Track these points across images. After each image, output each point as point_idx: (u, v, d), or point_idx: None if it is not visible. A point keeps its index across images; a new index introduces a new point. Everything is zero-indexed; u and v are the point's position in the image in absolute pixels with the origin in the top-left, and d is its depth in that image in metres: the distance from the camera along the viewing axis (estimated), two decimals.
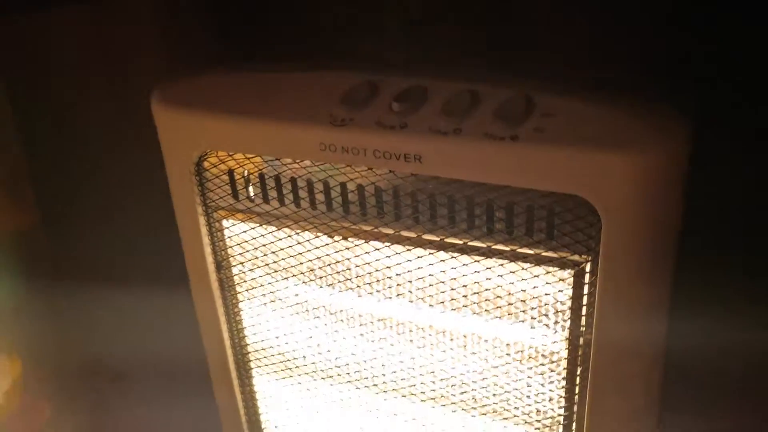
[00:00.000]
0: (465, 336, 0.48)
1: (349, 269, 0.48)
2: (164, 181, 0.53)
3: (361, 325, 0.51)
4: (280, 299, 0.53)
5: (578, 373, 0.45)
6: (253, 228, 0.49)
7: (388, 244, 0.45)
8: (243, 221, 0.49)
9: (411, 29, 0.47)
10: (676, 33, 0.41)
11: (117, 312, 0.65)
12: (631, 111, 0.38)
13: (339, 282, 0.49)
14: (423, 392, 0.52)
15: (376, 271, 0.46)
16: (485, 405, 0.50)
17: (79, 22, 0.58)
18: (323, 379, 0.55)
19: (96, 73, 0.60)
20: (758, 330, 0.43)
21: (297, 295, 0.52)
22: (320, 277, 0.50)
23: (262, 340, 0.54)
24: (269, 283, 0.52)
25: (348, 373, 0.54)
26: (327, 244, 0.47)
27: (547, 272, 0.41)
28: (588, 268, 0.40)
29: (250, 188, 0.47)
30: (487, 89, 0.39)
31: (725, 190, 0.42)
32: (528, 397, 0.48)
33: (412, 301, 0.48)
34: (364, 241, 0.45)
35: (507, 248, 0.41)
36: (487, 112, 0.38)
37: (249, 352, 0.55)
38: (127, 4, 0.57)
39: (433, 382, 0.51)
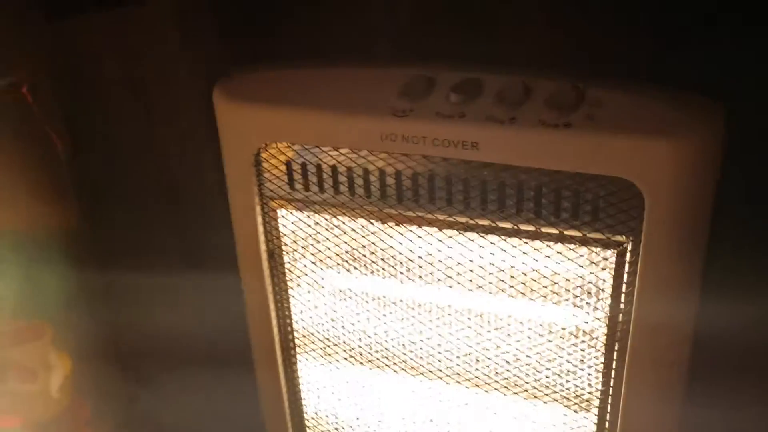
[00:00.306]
0: (506, 318, 0.51)
1: (400, 254, 0.51)
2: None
3: (407, 309, 0.54)
4: (328, 286, 0.56)
5: (615, 350, 0.48)
6: (308, 216, 0.52)
7: (438, 229, 0.48)
8: (298, 210, 0.52)
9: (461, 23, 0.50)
10: (703, 30, 0.45)
11: (159, 303, 0.67)
12: (670, 101, 0.41)
13: (387, 268, 0.52)
14: (465, 377, 0.55)
15: (428, 255, 0.49)
16: (523, 386, 0.53)
17: (124, 23, 0.61)
18: (366, 363, 0.57)
19: (143, 72, 0.63)
20: None
21: (345, 282, 0.55)
22: (370, 264, 0.53)
23: (307, 326, 0.57)
24: (316, 271, 0.55)
25: (389, 357, 0.57)
26: (379, 231, 0.50)
27: (591, 252, 0.45)
28: (630, 248, 0.43)
29: (309, 178, 0.50)
30: (537, 81, 0.43)
31: (756, 175, 0.45)
32: (567, 373, 0.51)
33: (452, 287, 0.51)
34: (416, 226, 0.48)
35: (554, 231, 0.45)
36: (539, 102, 0.42)
37: (294, 337, 0.58)
38: (168, 7, 0.60)
39: (475, 366, 0.54)
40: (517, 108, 0.42)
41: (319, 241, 0.53)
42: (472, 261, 0.48)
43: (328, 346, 0.58)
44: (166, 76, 0.62)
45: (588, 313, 0.48)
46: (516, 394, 0.54)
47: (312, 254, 0.55)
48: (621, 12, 0.47)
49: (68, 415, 0.65)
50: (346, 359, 0.58)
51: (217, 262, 0.63)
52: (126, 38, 0.60)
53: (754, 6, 0.42)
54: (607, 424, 0.51)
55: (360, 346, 0.57)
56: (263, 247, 0.54)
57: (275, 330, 0.58)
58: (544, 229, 0.45)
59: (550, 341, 0.51)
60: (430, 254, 0.50)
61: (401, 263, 0.52)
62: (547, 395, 0.53)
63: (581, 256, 0.45)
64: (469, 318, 0.53)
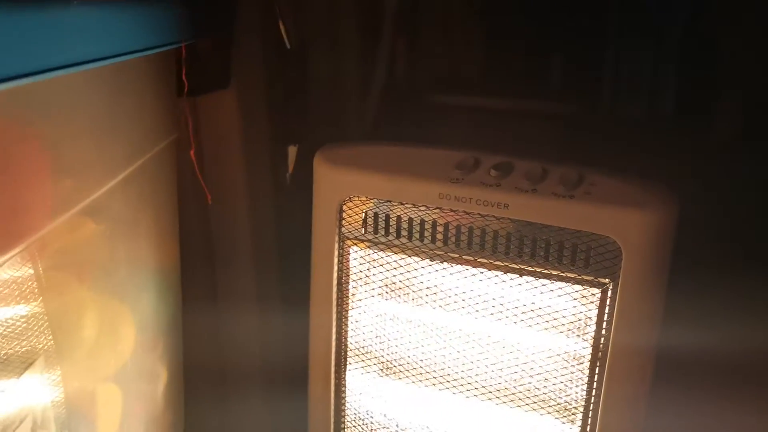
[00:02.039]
0: (516, 344, 0.68)
1: (439, 288, 0.68)
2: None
3: (440, 334, 0.71)
4: (378, 312, 0.73)
5: (597, 371, 0.65)
6: (373, 253, 0.70)
7: (472, 267, 0.66)
8: (367, 248, 0.70)
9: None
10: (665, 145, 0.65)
11: (236, 326, 0.83)
12: (641, 186, 0.61)
13: (427, 299, 0.70)
14: (481, 391, 0.71)
15: (459, 289, 0.67)
16: (525, 400, 0.70)
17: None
18: (403, 377, 0.74)
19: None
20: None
21: (393, 308, 0.72)
22: (415, 295, 0.70)
23: (358, 344, 0.74)
24: (372, 299, 0.72)
25: (422, 373, 0.73)
26: (424, 267, 0.68)
27: (584, 289, 0.62)
28: (611, 287, 0.61)
29: (378, 224, 0.68)
30: (553, 167, 0.62)
31: (697, 237, 0.64)
32: (559, 390, 0.67)
33: (477, 318, 0.68)
34: (457, 264, 0.66)
35: (557, 272, 0.63)
36: (553, 180, 0.61)
37: (347, 352, 0.74)
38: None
39: (489, 383, 0.70)
40: (538, 183, 0.61)
41: (378, 275, 0.71)
42: (493, 296, 0.66)
43: (374, 362, 0.74)
44: (261, 140, 0.81)
45: (577, 342, 0.65)
46: (519, 407, 0.70)
47: (370, 285, 0.72)
48: (610, 133, 0.67)
49: (164, 415, 0.78)
50: (386, 373, 0.74)
51: (288, 297, 0.80)
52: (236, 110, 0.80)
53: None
54: (588, 428, 0.67)
55: (400, 363, 0.73)
56: (335, 276, 0.71)
57: (333, 345, 0.74)
58: (550, 270, 0.63)
59: (548, 364, 0.68)
60: (462, 289, 0.68)
61: (440, 296, 0.69)
62: (542, 408, 0.69)
63: (576, 291, 0.63)
64: (487, 343, 0.70)
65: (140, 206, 0.63)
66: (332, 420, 0.76)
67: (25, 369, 0.45)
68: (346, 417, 0.76)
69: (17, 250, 0.42)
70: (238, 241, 0.82)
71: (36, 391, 0.47)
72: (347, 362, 0.75)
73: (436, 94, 0.80)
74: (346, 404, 0.76)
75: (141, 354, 0.67)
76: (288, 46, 0.81)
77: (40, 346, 0.47)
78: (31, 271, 0.45)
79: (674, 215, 0.60)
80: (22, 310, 0.45)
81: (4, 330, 0.44)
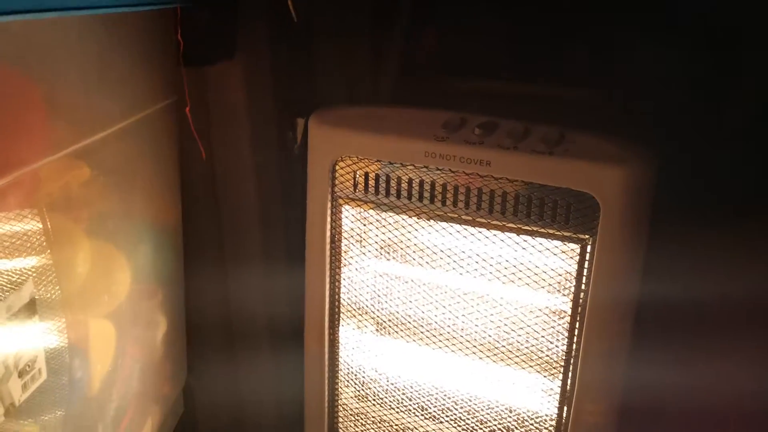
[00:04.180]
0: (499, 300, 0.71)
1: (426, 246, 0.71)
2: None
3: (429, 291, 0.73)
4: (369, 269, 0.75)
5: (577, 325, 0.67)
6: (363, 211, 0.72)
7: (456, 224, 0.68)
8: (358, 206, 0.72)
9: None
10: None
11: (239, 282, 0.86)
12: (621, 144, 0.62)
13: (415, 256, 0.72)
14: (466, 347, 0.73)
15: (445, 247, 0.69)
16: (508, 354, 0.72)
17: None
18: (393, 332, 0.76)
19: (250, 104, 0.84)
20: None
21: (382, 266, 0.74)
22: (403, 253, 0.72)
23: (350, 300, 0.76)
24: (362, 256, 0.75)
25: (411, 329, 0.75)
26: (412, 225, 0.70)
27: (564, 244, 0.64)
28: (590, 243, 0.63)
29: (368, 184, 0.71)
30: (536, 126, 0.64)
31: (679, 193, 0.66)
32: (541, 345, 0.69)
33: (462, 274, 0.71)
34: (442, 221, 0.68)
35: (538, 228, 0.65)
36: (535, 138, 0.63)
37: (340, 308, 0.77)
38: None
39: (474, 339, 0.73)
40: (520, 141, 0.63)
41: (367, 233, 0.73)
42: (477, 253, 0.68)
43: (366, 318, 0.77)
44: (267, 110, 0.83)
45: (558, 298, 0.67)
46: (504, 362, 0.72)
47: (361, 243, 0.75)
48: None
49: (164, 363, 0.81)
50: (378, 329, 0.76)
51: (283, 254, 0.83)
52: (241, 80, 0.82)
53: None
54: (568, 383, 0.69)
55: (390, 320, 0.76)
56: (328, 234, 0.74)
57: (327, 303, 0.76)
58: (532, 227, 0.65)
59: (531, 319, 0.70)
60: (448, 245, 0.70)
61: (426, 253, 0.72)
62: (526, 363, 0.71)
63: (556, 247, 0.65)
64: (473, 299, 0.72)
65: (137, 161, 0.67)
66: (327, 375, 0.79)
67: (17, 287, 0.49)
68: (339, 372, 0.79)
69: (13, 176, 0.46)
70: (243, 203, 0.85)
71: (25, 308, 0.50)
72: (340, 319, 0.77)
73: (444, 67, 0.82)
74: (340, 360, 0.79)
75: (137, 300, 0.71)
76: (295, 19, 0.83)
77: (29, 268, 0.51)
78: (29, 208, 0.49)
79: (652, 172, 0.61)
80: (16, 237, 0.49)
81: None
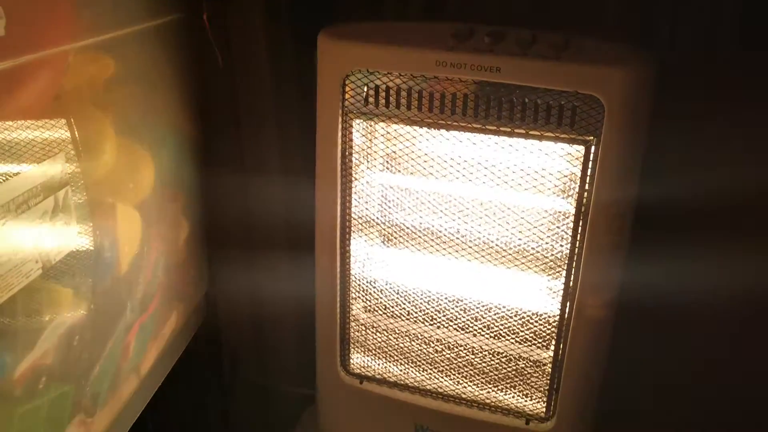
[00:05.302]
0: (505, 205, 0.74)
1: (437, 155, 0.74)
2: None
3: (438, 201, 0.76)
4: (377, 182, 0.78)
5: (580, 225, 0.71)
6: (375, 126, 0.75)
7: (465, 131, 0.71)
8: (369, 121, 0.75)
9: None
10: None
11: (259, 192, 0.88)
12: (624, 49, 0.66)
13: (423, 168, 0.75)
14: (473, 253, 0.77)
15: (457, 156, 0.73)
16: (512, 259, 0.76)
17: None
18: (403, 242, 0.80)
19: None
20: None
21: (390, 179, 0.77)
22: (411, 164, 0.76)
23: (361, 213, 0.79)
24: (372, 170, 0.78)
25: (420, 239, 0.79)
26: (423, 135, 0.73)
27: (570, 146, 0.68)
28: (594, 144, 0.67)
29: (379, 97, 0.73)
30: (543, 33, 0.67)
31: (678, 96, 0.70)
32: (545, 248, 0.74)
33: (471, 181, 0.74)
34: (450, 130, 0.71)
35: (544, 132, 0.68)
36: (543, 45, 0.66)
37: (351, 222, 0.80)
38: None
39: (481, 246, 0.77)
40: (528, 48, 0.66)
41: (377, 146, 0.76)
42: (486, 159, 0.71)
43: (376, 231, 0.80)
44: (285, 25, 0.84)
45: (563, 200, 0.71)
46: (510, 267, 0.76)
47: (372, 157, 0.77)
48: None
49: (186, 265, 0.83)
50: (388, 241, 0.80)
51: (301, 164, 0.85)
52: None
53: None
54: (571, 281, 0.73)
55: (400, 232, 0.79)
56: (339, 148, 0.76)
57: (338, 216, 0.79)
58: (540, 131, 0.68)
59: (537, 220, 0.74)
60: (458, 154, 0.73)
61: (436, 162, 0.74)
62: (530, 266, 0.76)
63: (562, 149, 0.69)
64: (482, 206, 0.75)
65: (159, 65, 0.69)
66: (338, 287, 0.82)
67: (45, 159, 0.53)
68: (351, 284, 0.82)
69: (44, 52, 0.49)
70: (261, 113, 0.86)
71: (57, 178, 0.54)
72: (351, 231, 0.80)
73: None
74: (351, 272, 0.82)
75: (161, 200, 0.74)
76: None
77: (61, 141, 0.54)
78: (57, 91, 0.52)
79: (653, 73, 0.65)
80: (45, 118, 0.53)
81: (31, 124, 0.51)
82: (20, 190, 0.50)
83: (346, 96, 0.74)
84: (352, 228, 0.80)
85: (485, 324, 0.80)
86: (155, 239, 0.72)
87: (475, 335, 0.81)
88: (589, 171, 0.68)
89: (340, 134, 0.76)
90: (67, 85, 0.55)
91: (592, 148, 0.67)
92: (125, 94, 0.63)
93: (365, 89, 0.73)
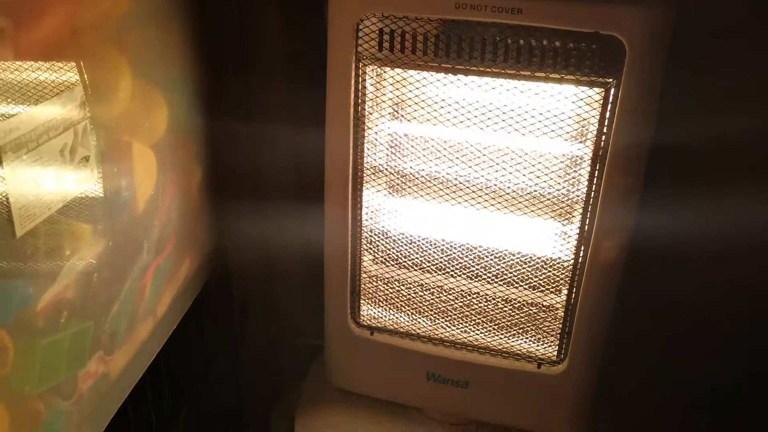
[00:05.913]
0: (519, 151, 0.74)
1: (453, 101, 0.73)
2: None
3: (449, 148, 0.76)
4: (388, 130, 0.78)
5: (597, 169, 0.71)
6: (389, 71, 0.74)
7: (480, 76, 0.70)
8: (382, 67, 0.74)
9: None
10: None
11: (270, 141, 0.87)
12: None
13: (437, 115, 0.74)
14: (488, 201, 0.77)
15: (472, 100, 0.72)
16: (527, 204, 0.76)
17: None
18: (415, 192, 0.79)
19: None
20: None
21: (402, 127, 0.77)
22: (425, 111, 0.75)
23: (372, 162, 0.79)
24: (384, 118, 0.77)
25: (434, 187, 0.79)
26: (439, 80, 0.73)
27: (590, 89, 0.68)
28: (614, 86, 0.67)
29: (394, 41, 0.72)
30: None
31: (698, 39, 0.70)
32: (559, 192, 0.74)
33: (485, 128, 0.73)
34: (467, 75, 0.71)
35: (565, 75, 0.68)
36: None
37: (364, 172, 0.79)
38: None
39: (496, 193, 0.76)
40: None
41: (391, 92, 0.75)
42: (505, 104, 0.71)
43: (386, 180, 0.80)
44: None
45: (581, 145, 0.71)
46: (525, 213, 0.76)
47: (385, 104, 0.77)
48: None
49: (199, 213, 0.83)
50: (400, 190, 0.79)
51: (305, 117, 0.84)
52: None
53: None
54: (586, 226, 0.73)
55: (413, 181, 0.79)
56: (351, 96, 0.75)
57: (350, 165, 0.78)
58: (560, 74, 0.68)
59: (554, 164, 0.73)
60: (476, 98, 0.72)
61: (454, 107, 0.73)
62: (544, 210, 0.76)
63: (582, 92, 0.68)
64: (498, 152, 0.75)
65: (173, 6, 0.68)
66: (349, 238, 0.81)
67: (62, 92, 0.52)
68: (362, 234, 0.82)
69: None
70: (270, 62, 0.86)
71: (75, 112, 0.54)
72: (362, 180, 0.79)
73: None
74: (363, 222, 0.81)
75: (175, 144, 0.72)
76: None
77: (78, 78, 0.54)
78: (71, 27, 0.52)
79: (673, 14, 0.65)
80: (59, 55, 0.52)
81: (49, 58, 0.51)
82: (40, 120, 0.49)
83: (359, 42, 0.73)
84: (364, 178, 0.79)
85: (497, 272, 0.80)
86: (170, 183, 0.71)
87: (487, 283, 0.81)
88: (608, 114, 0.68)
89: (353, 82, 0.74)
90: (83, 19, 0.54)
91: (612, 91, 0.67)
92: (138, 34, 0.62)
93: (379, 32, 0.72)
